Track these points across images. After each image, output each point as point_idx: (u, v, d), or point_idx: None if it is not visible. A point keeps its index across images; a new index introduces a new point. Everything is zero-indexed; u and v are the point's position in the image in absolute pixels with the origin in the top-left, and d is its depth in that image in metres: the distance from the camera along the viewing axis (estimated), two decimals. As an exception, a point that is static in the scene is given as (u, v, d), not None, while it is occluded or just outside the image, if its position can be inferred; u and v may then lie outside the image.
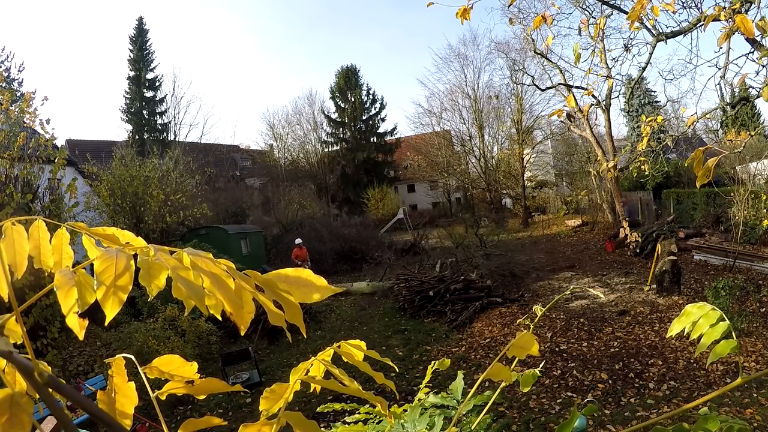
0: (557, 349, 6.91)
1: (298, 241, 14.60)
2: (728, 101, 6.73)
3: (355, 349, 0.73)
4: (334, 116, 38.10)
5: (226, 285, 0.49)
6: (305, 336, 0.60)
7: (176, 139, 32.29)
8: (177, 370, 0.65)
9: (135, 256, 0.50)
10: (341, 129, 37.98)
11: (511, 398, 5.43)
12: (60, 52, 67.63)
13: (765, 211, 11.43)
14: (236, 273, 0.51)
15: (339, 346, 0.72)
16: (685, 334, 0.86)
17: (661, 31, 7.16)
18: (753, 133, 5.15)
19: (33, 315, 6.87)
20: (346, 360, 0.73)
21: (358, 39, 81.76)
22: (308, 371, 0.69)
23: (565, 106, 15.72)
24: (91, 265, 0.52)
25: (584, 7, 12.24)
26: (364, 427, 1.39)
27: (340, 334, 9.22)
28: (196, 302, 0.47)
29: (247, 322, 0.53)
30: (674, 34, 6.98)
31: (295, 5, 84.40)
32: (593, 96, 10.95)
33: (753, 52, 4.80)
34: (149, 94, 33.35)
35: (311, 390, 0.71)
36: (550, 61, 16.10)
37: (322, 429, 0.68)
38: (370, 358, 0.74)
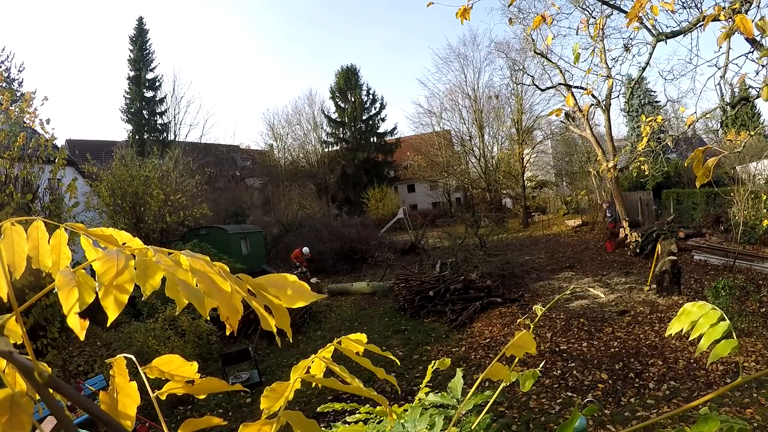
0: (557, 349, 6.91)
1: (306, 250, 14.55)
2: (728, 101, 6.73)
3: (356, 344, 0.73)
4: (334, 116, 38.10)
5: (222, 290, 0.50)
6: (290, 341, 0.60)
7: (176, 139, 32.28)
8: (177, 370, 0.65)
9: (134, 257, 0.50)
10: (341, 129, 37.98)
11: (511, 398, 5.43)
12: (60, 52, 67.67)
13: (765, 211, 11.42)
14: (230, 276, 0.52)
15: (340, 342, 0.72)
16: (684, 333, 0.86)
17: (661, 31, 7.15)
18: (753, 133, 5.15)
19: (33, 315, 6.86)
20: (347, 354, 0.73)
21: (357, 39, 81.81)
22: (309, 369, 0.69)
23: (564, 105, 15.75)
24: (91, 265, 0.52)
25: (584, 7, 12.23)
26: (364, 427, 1.39)
27: (340, 333, 9.14)
28: (196, 305, 0.47)
29: (236, 321, 0.54)
30: (674, 34, 6.97)
31: (295, 6, 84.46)
32: (593, 96, 10.95)
33: (753, 52, 4.80)
34: (149, 94, 33.34)
35: (311, 389, 0.71)
36: (550, 61, 16.10)
37: (323, 429, 0.68)
38: (370, 355, 0.74)
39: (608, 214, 15.85)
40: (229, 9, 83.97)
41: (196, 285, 0.49)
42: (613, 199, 16.21)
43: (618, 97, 25.21)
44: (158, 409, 0.64)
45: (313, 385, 0.68)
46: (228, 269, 0.52)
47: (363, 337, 0.73)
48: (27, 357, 0.43)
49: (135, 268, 0.50)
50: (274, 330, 0.53)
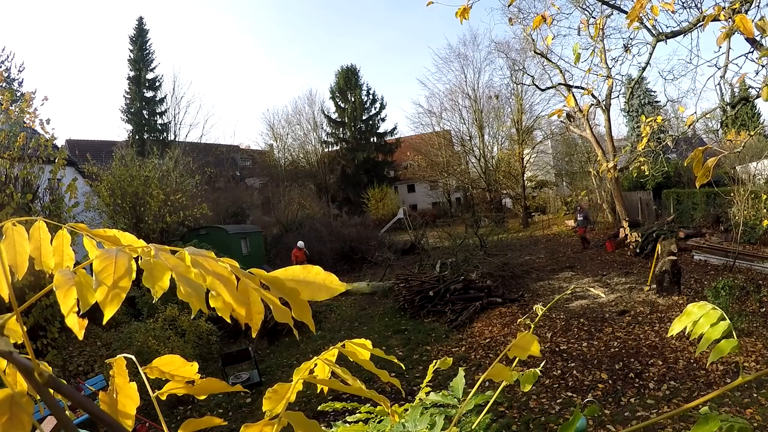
0: (557, 349, 6.91)
1: (300, 244, 14.59)
2: (728, 101, 6.73)
3: (361, 348, 0.72)
4: (334, 116, 38.11)
5: (230, 282, 0.49)
6: (314, 332, 0.59)
7: (176, 139, 32.30)
8: (177, 370, 0.65)
9: (137, 258, 0.50)
10: (341, 129, 37.98)
11: (511, 398, 5.43)
12: (60, 52, 67.74)
13: (765, 211, 11.43)
14: (240, 271, 0.51)
15: (343, 345, 0.72)
16: (686, 333, 0.86)
17: (661, 31, 7.15)
18: (753, 133, 5.14)
19: (33, 315, 6.87)
20: (352, 359, 0.72)
21: (357, 39, 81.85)
22: (312, 371, 0.69)
23: (564, 105, 15.73)
24: (91, 265, 0.52)
25: (584, 7, 12.22)
26: (364, 427, 1.39)
27: (340, 333, 9.22)
28: (196, 300, 0.47)
29: (258, 322, 0.52)
30: (674, 34, 6.97)
31: (293, 7, 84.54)
32: (593, 96, 10.94)
33: (753, 52, 4.80)
34: (149, 94, 33.35)
35: (312, 389, 0.70)
36: (550, 61, 16.10)
37: (323, 428, 0.68)
38: (372, 357, 0.74)
39: (579, 218, 15.84)
40: (228, 9, 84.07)
41: (204, 282, 0.48)
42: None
43: (618, 97, 25.21)
44: (158, 409, 0.64)
45: (318, 390, 0.68)
46: (237, 264, 0.51)
47: (368, 342, 0.73)
48: (27, 357, 0.43)
49: (141, 270, 0.49)
50: (291, 323, 0.52)
